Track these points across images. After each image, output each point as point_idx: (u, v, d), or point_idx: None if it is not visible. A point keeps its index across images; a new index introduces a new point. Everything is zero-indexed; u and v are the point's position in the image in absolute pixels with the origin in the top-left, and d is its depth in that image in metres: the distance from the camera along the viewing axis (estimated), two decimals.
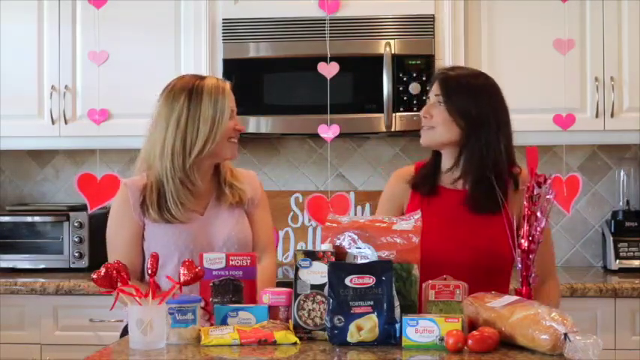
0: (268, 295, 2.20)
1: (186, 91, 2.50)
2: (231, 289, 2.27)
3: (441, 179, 2.50)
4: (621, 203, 3.86)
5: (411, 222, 2.20)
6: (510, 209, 2.38)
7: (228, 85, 2.56)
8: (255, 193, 2.66)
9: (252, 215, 2.65)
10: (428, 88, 2.54)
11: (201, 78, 2.56)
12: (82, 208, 3.70)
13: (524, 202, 2.22)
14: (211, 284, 2.25)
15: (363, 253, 2.16)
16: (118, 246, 2.52)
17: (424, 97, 2.52)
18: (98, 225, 3.86)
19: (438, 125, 2.42)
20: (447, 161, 2.48)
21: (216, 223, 2.55)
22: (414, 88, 3.51)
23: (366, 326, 2.04)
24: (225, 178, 2.59)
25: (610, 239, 3.71)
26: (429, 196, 2.48)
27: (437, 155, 2.51)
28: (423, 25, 3.57)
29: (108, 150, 3.87)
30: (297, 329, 2.10)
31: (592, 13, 3.58)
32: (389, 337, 2.03)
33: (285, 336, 2.05)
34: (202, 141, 2.47)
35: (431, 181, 2.49)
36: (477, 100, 2.42)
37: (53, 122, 3.74)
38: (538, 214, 2.20)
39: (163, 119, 2.50)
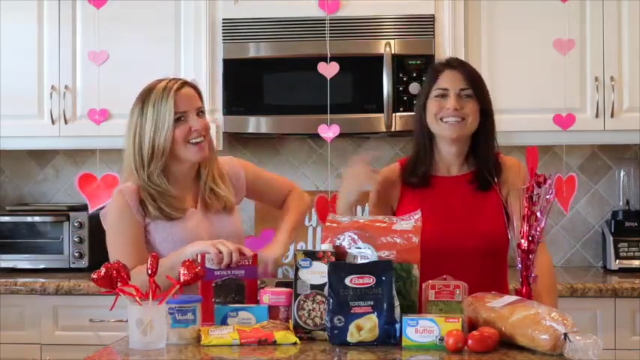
0: (268, 295, 2.21)
1: (139, 99, 2.49)
2: (234, 289, 2.27)
3: (436, 169, 2.56)
4: (621, 203, 3.85)
5: (411, 222, 2.21)
6: (500, 188, 2.49)
7: (177, 85, 2.47)
8: (239, 178, 2.62)
9: (251, 191, 2.64)
10: (427, 79, 2.59)
11: (159, 81, 2.49)
12: (82, 208, 3.70)
13: (524, 202, 2.23)
14: (214, 284, 2.25)
15: (363, 253, 2.16)
16: (125, 245, 2.43)
17: (427, 91, 2.54)
18: (98, 225, 3.82)
19: (468, 117, 2.50)
20: (456, 150, 2.53)
21: (212, 218, 2.53)
22: (414, 88, 3.51)
23: (366, 326, 2.04)
24: (205, 182, 2.53)
25: (610, 239, 3.71)
26: (422, 188, 2.54)
27: (427, 147, 2.56)
28: (423, 25, 3.57)
29: (108, 150, 3.86)
30: (297, 329, 2.10)
31: (592, 13, 3.57)
32: (389, 337, 2.03)
33: (285, 336, 2.06)
34: (148, 152, 2.43)
35: (427, 173, 2.55)
36: (488, 92, 2.57)
37: (53, 122, 3.74)
38: (538, 214, 2.21)
39: (127, 130, 2.49)
